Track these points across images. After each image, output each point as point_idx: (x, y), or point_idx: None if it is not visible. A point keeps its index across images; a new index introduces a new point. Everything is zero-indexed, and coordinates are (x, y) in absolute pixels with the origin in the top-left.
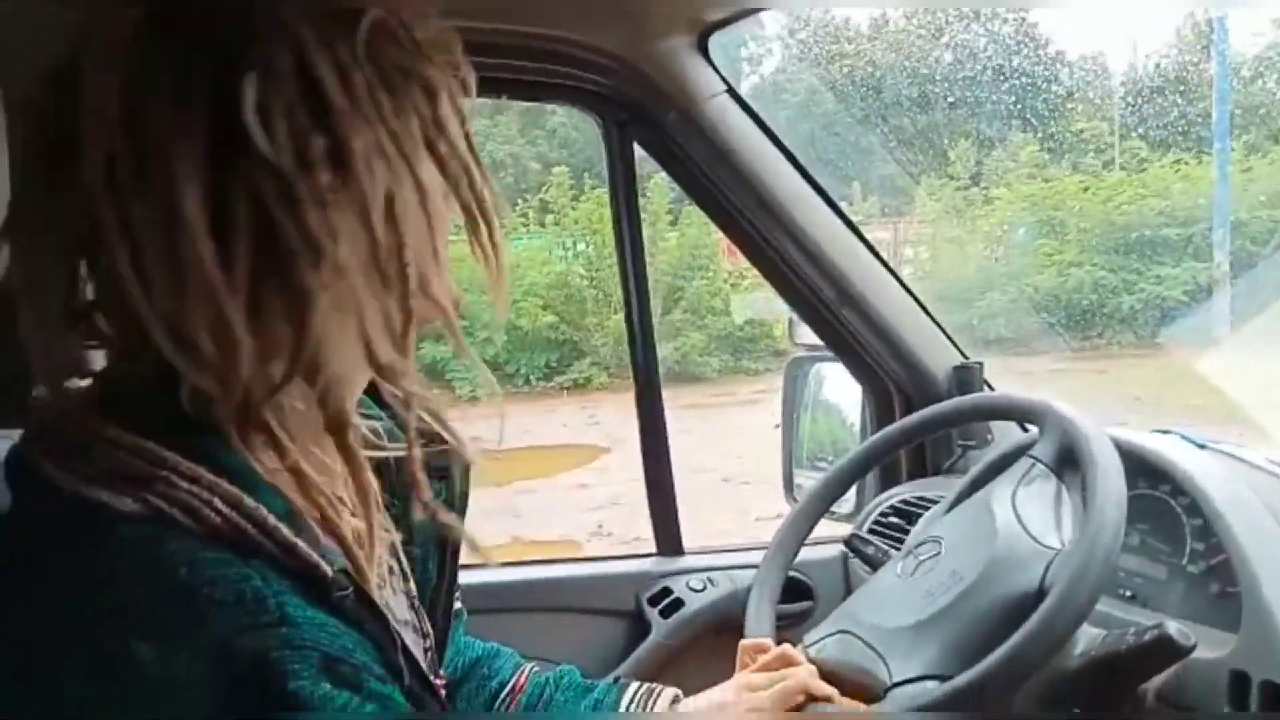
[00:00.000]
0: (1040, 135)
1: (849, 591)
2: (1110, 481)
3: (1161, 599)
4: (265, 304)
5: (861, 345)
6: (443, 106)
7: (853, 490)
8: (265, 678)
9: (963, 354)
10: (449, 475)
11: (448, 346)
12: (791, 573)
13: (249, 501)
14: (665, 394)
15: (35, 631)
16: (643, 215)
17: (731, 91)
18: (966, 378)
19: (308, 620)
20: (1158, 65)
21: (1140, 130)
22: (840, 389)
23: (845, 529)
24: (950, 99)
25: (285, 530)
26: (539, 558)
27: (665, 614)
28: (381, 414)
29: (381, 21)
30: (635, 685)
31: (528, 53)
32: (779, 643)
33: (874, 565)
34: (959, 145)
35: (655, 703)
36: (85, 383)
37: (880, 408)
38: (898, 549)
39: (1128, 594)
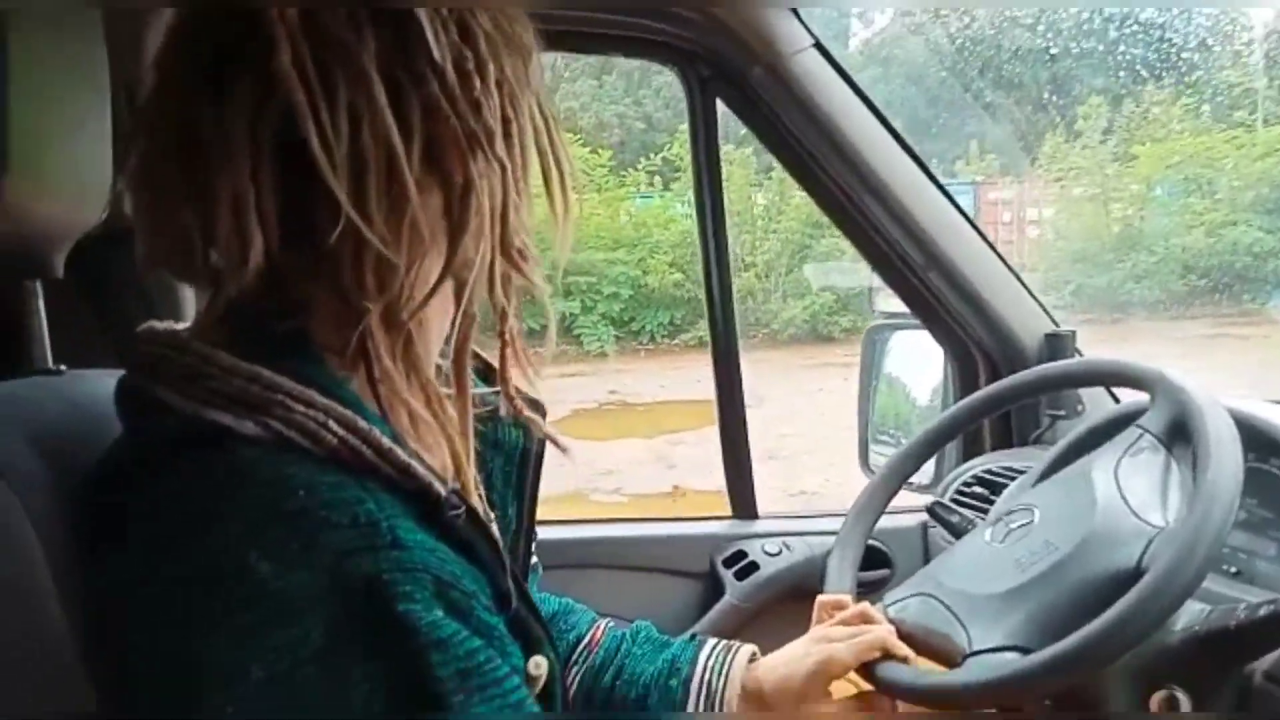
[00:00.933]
0: (1178, 88)
1: (927, 561)
2: (1226, 458)
3: (1269, 576)
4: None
5: (948, 310)
6: (533, 62)
7: (930, 461)
8: (377, 600)
9: (1054, 321)
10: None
11: (576, 301)
12: (869, 541)
13: (362, 424)
14: (796, 353)
15: (155, 546)
16: (771, 173)
17: (819, 46)
18: (1058, 346)
19: (418, 544)
20: None
21: None
22: (921, 358)
23: (922, 500)
24: (1078, 50)
25: (399, 451)
26: (614, 517)
27: (740, 577)
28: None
29: None
30: (712, 641)
31: (610, 7)
32: None
33: (957, 533)
34: (1089, 100)
35: (733, 660)
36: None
37: (965, 375)
38: (982, 518)
39: (1232, 570)
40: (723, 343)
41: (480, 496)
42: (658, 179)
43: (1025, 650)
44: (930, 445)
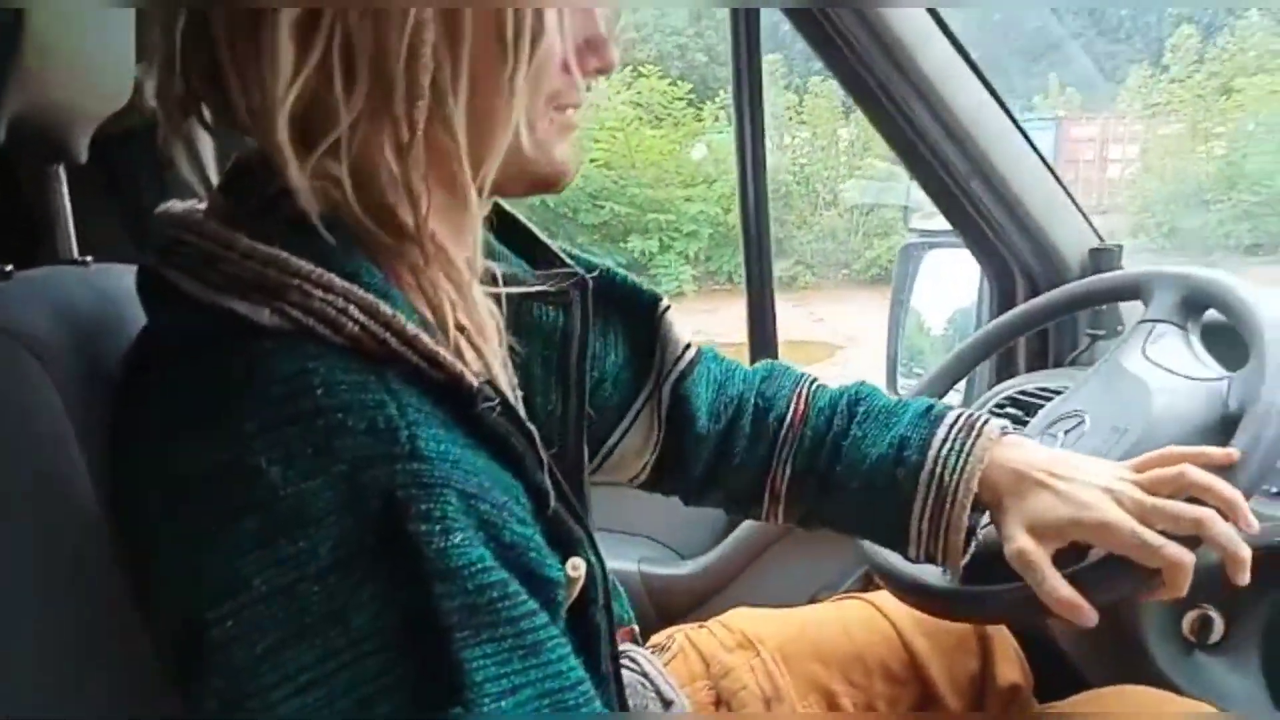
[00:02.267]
0: (1277, 18)
1: None
2: (1257, 301)
3: None
4: None
5: (988, 221)
6: None
7: (962, 383)
8: (391, 517)
9: (1099, 236)
10: (569, 303)
11: (654, 240)
12: None
13: (385, 308)
14: (880, 292)
15: (170, 442)
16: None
17: None
18: (1104, 262)
19: (441, 454)
20: None
21: None
22: (957, 276)
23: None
24: None
25: (426, 338)
26: None
27: None
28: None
29: None
30: (954, 413)
31: None
32: None
33: None
34: (1178, 30)
35: (975, 440)
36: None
37: (1003, 292)
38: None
39: (1274, 490)
40: (757, 289)
41: (513, 386)
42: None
43: None
44: (963, 363)
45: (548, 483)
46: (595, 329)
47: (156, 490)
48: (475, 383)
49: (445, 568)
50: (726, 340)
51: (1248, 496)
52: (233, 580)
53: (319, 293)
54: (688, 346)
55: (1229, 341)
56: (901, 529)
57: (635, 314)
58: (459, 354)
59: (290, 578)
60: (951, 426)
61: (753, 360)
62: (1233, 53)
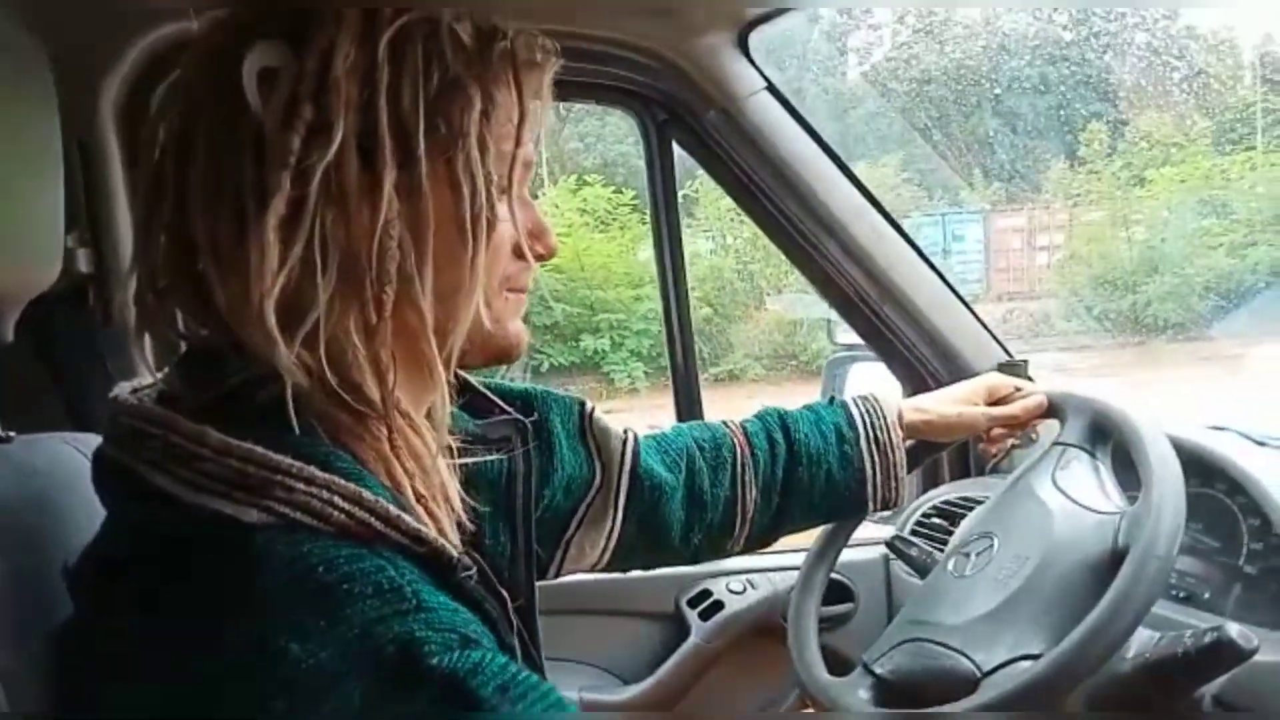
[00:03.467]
0: (1178, 113)
1: (890, 593)
2: (1155, 438)
3: (1216, 600)
4: None
5: (903, 343)
6: (468, 114)
7: None
8: (410, 658)
9: (1006, 351)
10: (512, 445)
11: (605, 339)
12: (832, 575)
13: (368, 495)
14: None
15: (177, 641)
16: None
17: (772, 89)
18: (1011, 375)
19: (441, 605)
20: None
21: None
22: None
23: (884, 532)
24: (1074, 80)
25: (408, 518)
26: None
27: (704, 616)
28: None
29: (410, 25)
30: (854, 397)
31: (563, 52)
32: (822, 647)
33: (916, 566)
34: (1089, 127)
35: (878, 402)
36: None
37: None
38: (941, 550)
39: (1181, 595)
40: (682, 378)
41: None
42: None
43: (1033, 657)
44: None
45: (518, 646)
46: (536, 460)
47: (169, 689)
48: (455, 554)
49: (469, 668)
50: None
51: (1125, 637)
52: None
53: (301, 486)
54: (625, 432)
55: None
56: (860, 495)
57: (569, 424)
58: (429, 510)
59: None
60: (859, 403)
61: None
62: (1140, 147)
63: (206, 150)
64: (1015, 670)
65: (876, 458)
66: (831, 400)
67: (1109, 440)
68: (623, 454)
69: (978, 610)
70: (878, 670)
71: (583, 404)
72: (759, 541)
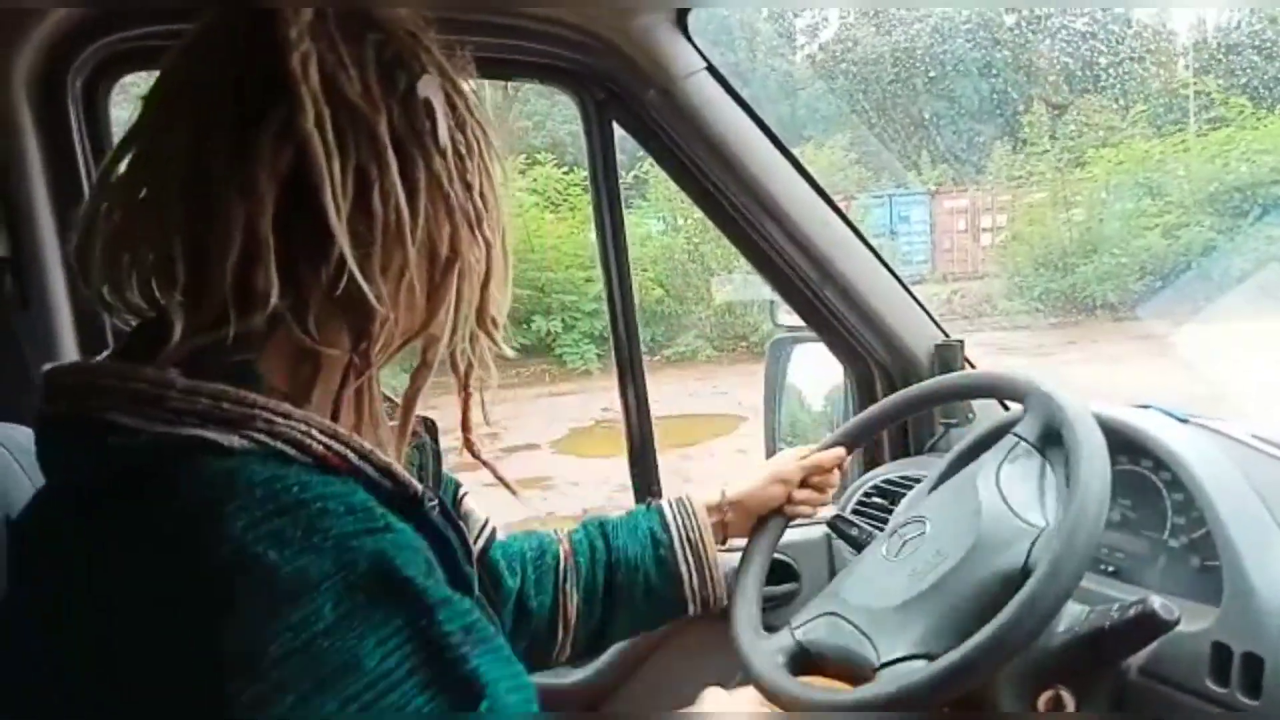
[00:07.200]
0: (1114, 96)
1: (833, 572)
2: (1095, 460)
3: (1143, 574)
4: None
5: (843, 324)
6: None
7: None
8: (382, 571)
9: (944, 331)
10: (422, 439)
11: (557, 320)
12: (776, 554)
13: (343, 430)
14: None
15: (161, 553)
16: None
17: (711, 69)
18: (947, 356)
19: (405, 529)
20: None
21: (1243, 86)
22: (822, 370)
23: (826, 512)
24: (1016, 64)
25: (380, 453)
26: None
27: None
28: None
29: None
30: (669, 502)
31: (503, 30)
32: (765, 625)
33: (857, 546)
34: (1031, 110)
35: (694, 508)
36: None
37: (862, 387)
38: (881, 529)
39: (1109, 569)
40: (626, 360)
41: None
42: (632, 196)
43: (930, 657)
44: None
45: (474, 572)
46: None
47: (154, 594)
48: (420, 488)
49: (439, 598)
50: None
51: (1016, 651)
52: (250, 652)
53: (280, 419)
54: (486, 522)
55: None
56: (679, 596)
57: (448, 495)
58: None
59: (302, 639)
60: (671, 505)
61: (629, 439)
62: (1081, 130)
63: (191, 144)
64: (904, 669)
65: (690, 560)
66: (649, 505)
67: (1062, 446)
68: (477, 540)
69: (892, 600)
70: (797, 635)
71: (458, 485)
72: (586, 648)
